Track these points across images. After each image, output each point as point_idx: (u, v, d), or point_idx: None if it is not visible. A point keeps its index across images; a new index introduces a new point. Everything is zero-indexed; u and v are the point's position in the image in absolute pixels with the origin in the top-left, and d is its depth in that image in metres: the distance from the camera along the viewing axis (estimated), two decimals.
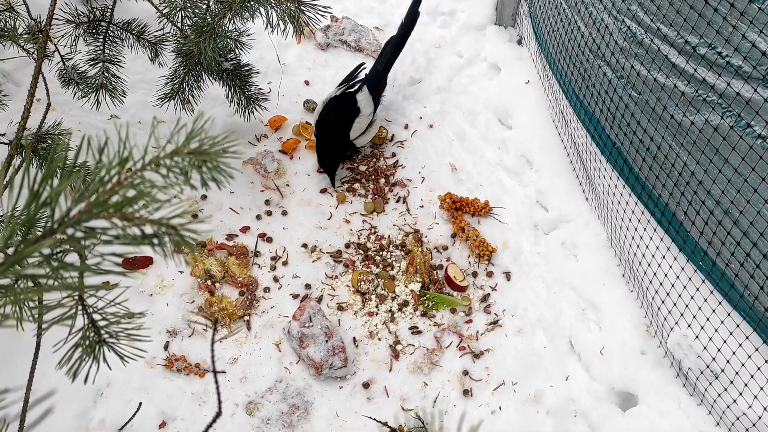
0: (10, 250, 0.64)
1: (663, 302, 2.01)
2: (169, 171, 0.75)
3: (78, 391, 1.98)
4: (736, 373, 1.78)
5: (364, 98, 2.53)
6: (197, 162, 0.77)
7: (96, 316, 0.90)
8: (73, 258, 0.74)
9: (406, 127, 2.78)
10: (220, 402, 0.88)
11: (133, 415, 1.97)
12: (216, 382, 0.90)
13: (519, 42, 2.99)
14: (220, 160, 0.78)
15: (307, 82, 2.91)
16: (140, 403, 1.99)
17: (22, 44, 1.81)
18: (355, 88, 2.56)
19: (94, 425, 1.99)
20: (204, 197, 2.48)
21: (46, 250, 0.62)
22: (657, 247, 2.04)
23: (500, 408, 2.09)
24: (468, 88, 2.89)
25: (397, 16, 3.21)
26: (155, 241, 0.71)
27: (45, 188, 0.62)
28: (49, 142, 2.02)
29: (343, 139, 2.51)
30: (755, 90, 1.59)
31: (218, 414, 0.96)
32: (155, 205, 0.70)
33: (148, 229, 0.70)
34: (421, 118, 2.80)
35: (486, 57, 2.95)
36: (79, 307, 0.89)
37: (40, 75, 1.52)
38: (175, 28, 2.17)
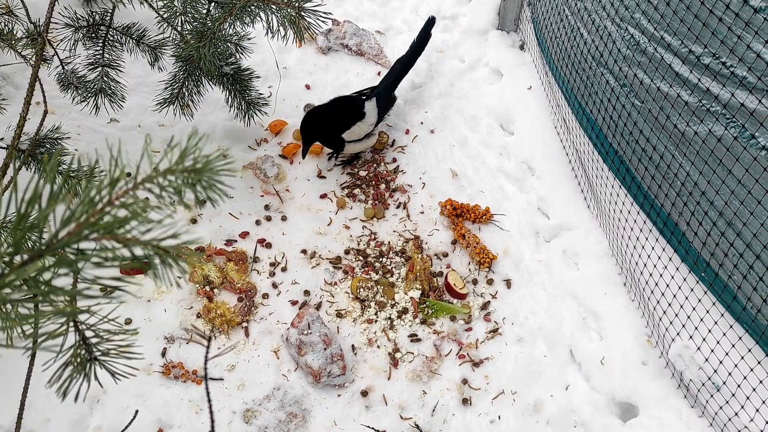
0: None
1: (665, 312, 1.99)
2: (162, 190, 0.73)
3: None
4: (738, 385, 1.77)
5: (371, 108, 2.55)
6: (191, 180, 0.75)
7: (88, 333, 0.89)
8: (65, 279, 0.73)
9: (407, 132, 2.76)
10: (213, 421, 0.86)
11: (130, 423, 1.94)
12: (209, 400, 0.88)
13: (521, 47, 2.97)
14: (215, 179, 0.77)
15: (307, 86, 2.89)
16: (137, 411, 1.97)
17: (20, 50, 1.78)
18: (367, 95, 2.59)
19: None
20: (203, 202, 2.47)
21: (32, 273, 0.60)
22: (659, 257, 2.02)
23: (499, 417, 2.08)
24: (469, 93, 2.87)
25: (399, 20, 3.20)
26: (146, 261, 0.69)
27: (33, 209, 0.61)
28: (47, 146, 2.01)
29: (333, 130, 2.49)
30: (760, 101, 1.57)
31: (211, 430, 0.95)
32: (148, 225, 0.68)
33: (139, 251, 0.69)
34: (422, 123, 2.79)
35: (488, 62, 2.93)
36: (71, 324, 0.87)
37: (37, 81, 1.50)
38: (175, 32, 2.16)
